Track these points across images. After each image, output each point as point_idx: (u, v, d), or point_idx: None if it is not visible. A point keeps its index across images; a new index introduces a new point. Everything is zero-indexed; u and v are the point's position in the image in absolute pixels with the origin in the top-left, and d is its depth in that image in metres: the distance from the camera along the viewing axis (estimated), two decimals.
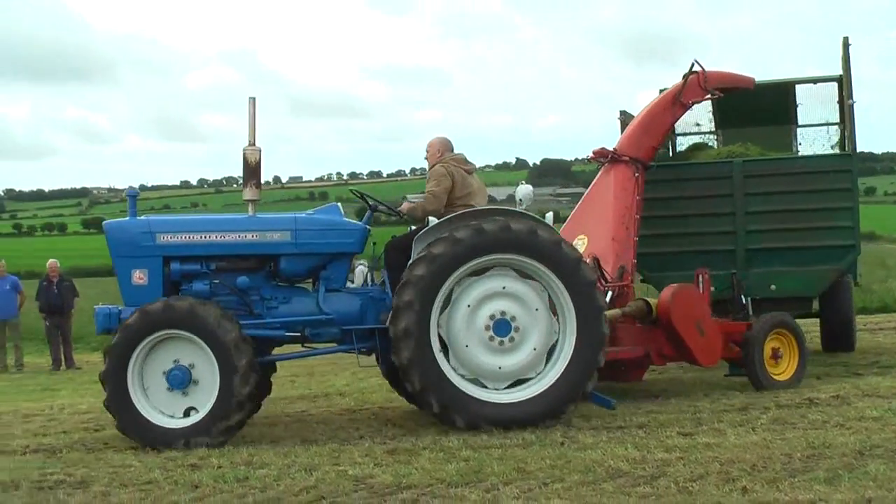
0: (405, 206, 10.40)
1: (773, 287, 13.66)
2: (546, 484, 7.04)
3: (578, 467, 7.49)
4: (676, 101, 13.32)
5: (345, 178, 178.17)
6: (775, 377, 11.69)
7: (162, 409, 9.28)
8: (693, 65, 13.35)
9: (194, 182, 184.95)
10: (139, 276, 9.85)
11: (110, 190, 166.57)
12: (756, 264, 13.85)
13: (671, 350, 11.51)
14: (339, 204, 10.66)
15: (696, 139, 16.99)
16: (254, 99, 10.00)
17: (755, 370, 11.61)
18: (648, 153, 13.24)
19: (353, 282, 10.33)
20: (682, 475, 7.06)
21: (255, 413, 10.39)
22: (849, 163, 13.77)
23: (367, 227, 10.27)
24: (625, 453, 7.91)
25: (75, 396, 14.62)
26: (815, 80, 15.76)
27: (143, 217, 10.19)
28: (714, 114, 16.56)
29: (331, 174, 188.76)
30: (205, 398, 9.24)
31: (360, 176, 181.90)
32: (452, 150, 10.58)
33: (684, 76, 13.33)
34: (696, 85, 13.33)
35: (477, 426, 9.27)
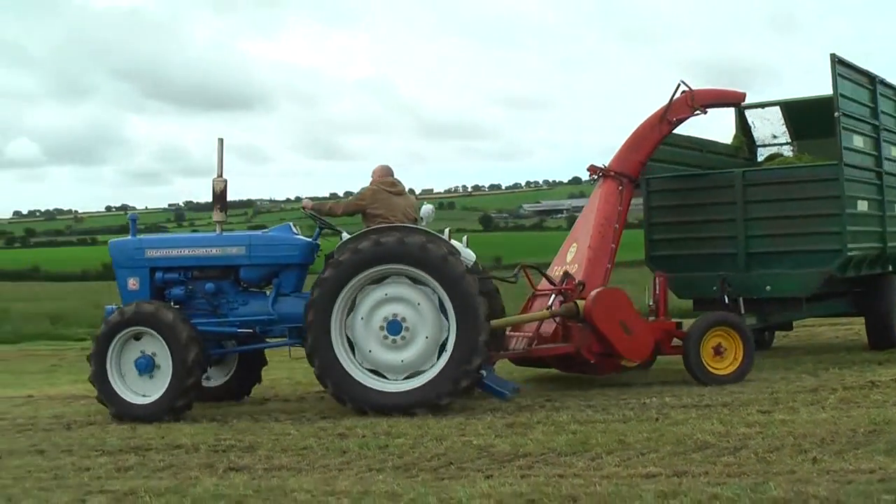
0: (308, 203, 12.23)
1: (768, 288, 14.06)
2: (643, 454, 7.95)
3: (671, 440, 8.43)
4: (663, 120, 13.80)
5: (469, 189, 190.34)
6: (717, 372, 12.26)
7: (132, 387, 11.18)
8: (679, 85, 13.84)
9: (341, 193, 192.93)
10: (133, 283, 11.96)
11: (271, 201, 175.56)
12: (754, 267, 14.31)
13: (599, 347, 12.17)
14: (291, 223, 12.41)
15: (774, 150, 17.86)
16: (222, 140, 12.13)
17: (690, 365, 12.30)
18: (634, 168, 13.87)
19: None
20: (760, 447, 7.96)
21: (246, 397, 12.57)
22: (836, 172, 13.75)
23: (317, 242, 12.03)
24: (711, 428, 8.86)
25: None
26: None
27: (137, 237, 12.27)
28: (788, 126, 17.57)
29: (457, 186, 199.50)
30: (162, 383, 11.03)
31: (483, 188, 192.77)
32: (390, 175, 12.15)
33: (671, 96, 13.86)
34: (683, 104, 13.85)
35: (362, 409, 10.75)
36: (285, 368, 14.77)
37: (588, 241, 13.37)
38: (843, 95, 13.94)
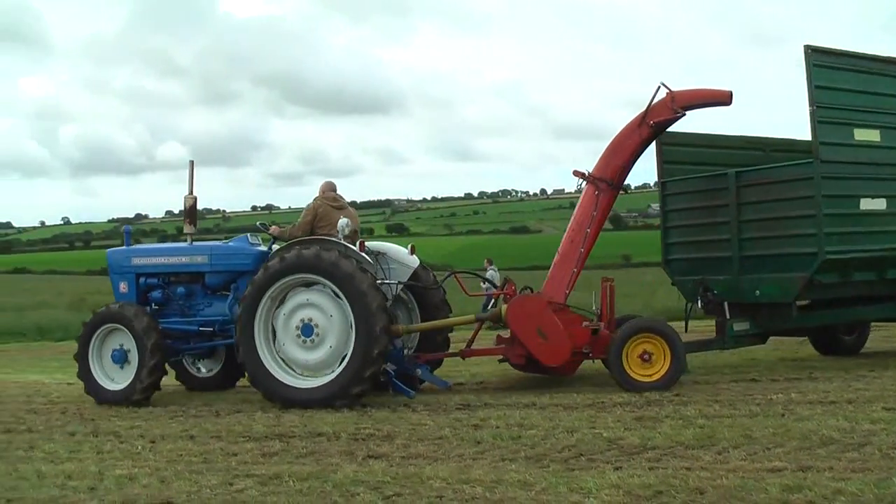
0: (275, 230, 13.38)
1: (757, 293, 13.60)
2: (768, 448, 8.09)
3: (796, 435, 8.53)
4: (643, 123, 13.36)
5: None
6: (644, 379, 12.16)
7: (112, 377, 12.91)
8: (658, 88, 13.36)
9: (475, 194, 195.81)
10: (123, 287, 13.78)
11: (408, 201, 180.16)
12: (746, 271, 13.90)
13: (521, 351, 12.65)
14: (248, 235, 13.89)
15: None
16: (192, 161, 13.91)
17: (612, 372, 12.36)
18: (614, 173, 13.40)
19: None
20: (884, 443, 8.04)
21: (229, 388, 14.04)
22: (811, 170, 12.99)
23: (270, 251, 13.16)
24: (836, 424, 8.94)
25: None
26: None
27: (129, 247, 13.99)
28: None
29: None
30: (130, 373, 12.70)
31: None
32: (333, 191, 13.41)
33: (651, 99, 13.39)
34: (663, 106, 13.30)
35: (272, 399, 11.96)
36: None
37: (560, 245, 13.52)
38: (820, 87, 13.00)
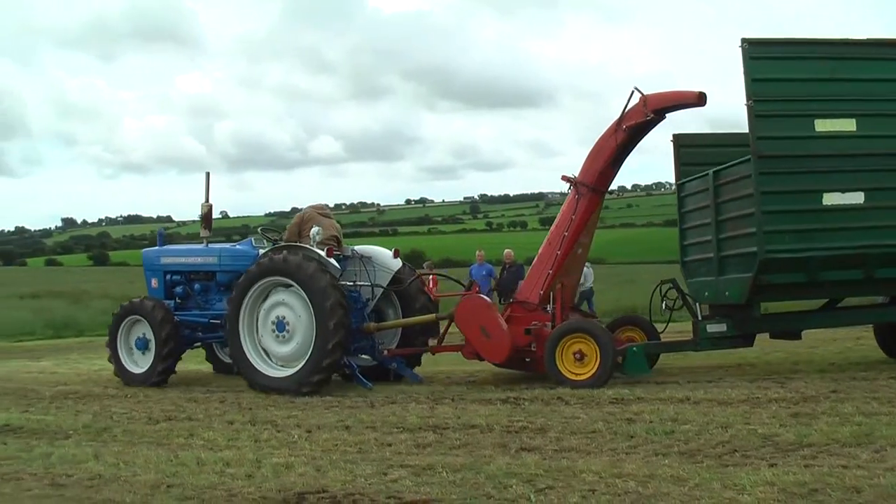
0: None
1: (727, 293, 13.35)
2: None
3: None
4: (619, 128, 13.63)
5: None
6: (576, 377, 12.70)
7: (136, 362, 15.15)
8: (633, 92, 13.53)
9: (629, 186, 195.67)
10: (154, 282, 16.03)
11: (561, 194, 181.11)
12: (722, 272, 13.56)
13: (471, 348, 13.69)
14: (252, 238, 15.91)
15: None
16: (208, 173, 15.70)
17: (546, 368, 12.95)
18: (593, 177, 13.88)
19: None
20: None
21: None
22: (748, 168, 12.60)
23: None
24: None
25: None
26: None
27: (160, 247, 16.20)
28: None
29: None
30: (150, 358, 14.91)
31: None
32: (321, 203, 15.39)
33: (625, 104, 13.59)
34: (636, 110, 13.52)
35: (252, 385, 13.68)
36: None
37: (540, 247, 14.31)
38: (757, 80, 12.50)
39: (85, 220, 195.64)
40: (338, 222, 15.49)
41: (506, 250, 24.34)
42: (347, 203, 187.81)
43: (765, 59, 12.59)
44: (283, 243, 14.39)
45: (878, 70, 12.74)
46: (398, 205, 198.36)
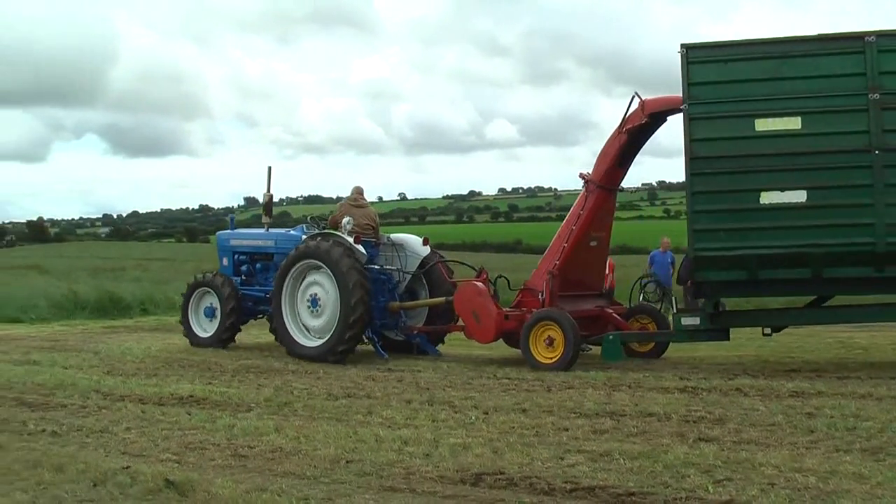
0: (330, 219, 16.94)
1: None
2: None
3: None
4: (621, 131, 14.45)
5: None
6: (546, 361, 13.90)
7: (204, 328, 17.72)
8: (633, 97, 14.30)
9: None
10: (225, 261, 18.33)
11: None
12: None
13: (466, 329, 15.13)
14: (304, 225, 17.82)
15: None
16: (270, 167, 18.37)
17: (522, 351, 14.28)
18: (599, 175, 14.85)
19: None
20: None
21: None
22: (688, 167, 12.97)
23: None
24: None
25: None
26: None
27: (231, 231, 18.86)
28: None
29: None
30: (216, 325, 17.45)
31: None
32: (361, 194, 17.25)
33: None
34: (636, 114, 14.31)
35: (290, 353, 15.70)
36: (753, 346, 15.13)
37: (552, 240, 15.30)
38: (696, 84, 12.95)
39: None
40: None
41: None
42: (525, 187, 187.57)
43: (704, 62, 13.08)
44: (323, 231, 16.38)
45: (824, 66, 12.75)
46: (576, 189, 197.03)
